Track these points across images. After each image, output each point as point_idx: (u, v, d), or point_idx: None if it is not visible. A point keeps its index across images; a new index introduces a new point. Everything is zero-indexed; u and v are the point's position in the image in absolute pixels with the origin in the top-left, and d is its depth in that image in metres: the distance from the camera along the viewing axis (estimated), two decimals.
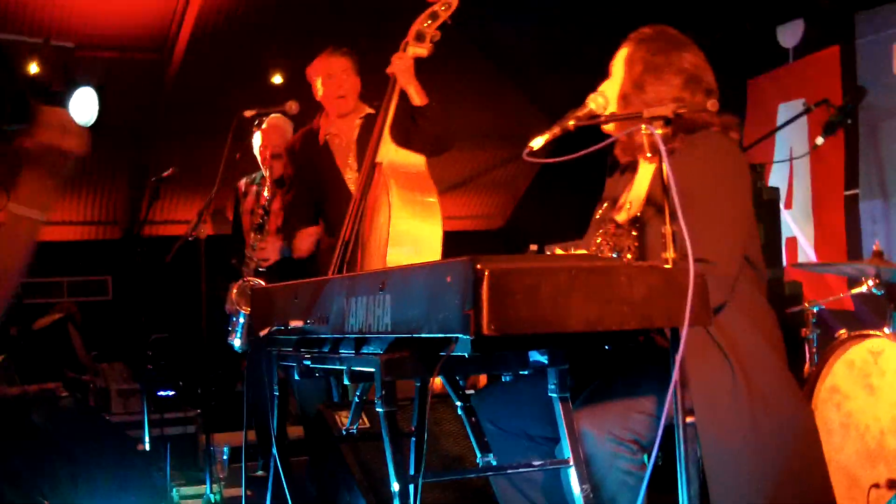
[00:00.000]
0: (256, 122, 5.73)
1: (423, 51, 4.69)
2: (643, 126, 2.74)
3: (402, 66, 4.72)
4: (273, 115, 5.92)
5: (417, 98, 4.85)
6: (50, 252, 11.36)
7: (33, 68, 7.63)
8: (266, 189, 5.82)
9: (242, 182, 6.31)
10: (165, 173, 6.46)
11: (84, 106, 7.61)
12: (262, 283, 5.47)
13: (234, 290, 5.51)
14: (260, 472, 5.94)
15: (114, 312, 11.32)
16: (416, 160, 4.71)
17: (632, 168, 3.38)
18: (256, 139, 6.09)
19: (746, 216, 3.12)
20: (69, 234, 11.59)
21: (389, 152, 4.68)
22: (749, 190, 3.16)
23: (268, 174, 5.86)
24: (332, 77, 5.34)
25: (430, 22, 4.66)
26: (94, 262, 11.64)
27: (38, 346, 9.53)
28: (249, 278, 5.56)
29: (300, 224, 5.48)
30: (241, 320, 5.53)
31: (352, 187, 5.25)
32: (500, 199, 12.90)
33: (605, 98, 3.16)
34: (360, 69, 5.38)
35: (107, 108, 7.71)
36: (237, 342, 5.39)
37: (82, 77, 7.64)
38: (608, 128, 3.23)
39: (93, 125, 7.65)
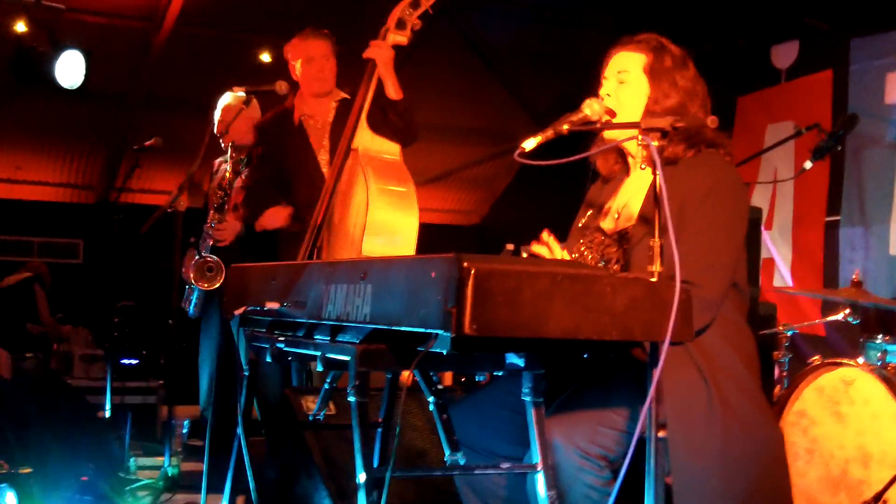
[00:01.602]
0: (245, 100, 5.64)
1: (402, 38, 4.63)
2: (639, 137, 2.71)
3: (383, 56, 4.66)
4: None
5: (393, 91, 4.79)
6: (23, 210, 11.28)
7: (20, 27, 7.55)
8: (228, 168, 5.75)
9: (217, 160, 6.26)
10: (148, 142, 6.40)
11: (70, 69, 7.54)
12: (218, 260, 5.59)
13: (192, 265, 5.62)
14: (197, 442, 5.99)
15: (84, 276, 11.24)
16: (391, 148, 4.68)
17: (617, 176, 3.35)
18: (216, 116, 6.09)
19: (739, 242, 3.08)
20: (44, 195, 11.49)
21: (365, 139, 4.64)
22: (746, 215, 3.13)
23: (229, 153, 5.76)
24: (312, 60, 5.29)
25: (411, 10, 4.61)
26: (67, 224, 11.55)
27: (3, 304, 9.48)
28: (206, 256, 5.59)
29: (264, 203, 5.44)
30: (196, 291, 5.87)
31: (324, 170, 5.22)
32: (479, 196, 12.88)
33: (602, 106, 3.10)
34: (337, 52, 5.35)
35: (92, 73, 7.64)
36: (192, 309, 5.95)
37: (70, 40, 7.58)
38: (609, 135, 3.18)
39: (77, 89, 7.59)
